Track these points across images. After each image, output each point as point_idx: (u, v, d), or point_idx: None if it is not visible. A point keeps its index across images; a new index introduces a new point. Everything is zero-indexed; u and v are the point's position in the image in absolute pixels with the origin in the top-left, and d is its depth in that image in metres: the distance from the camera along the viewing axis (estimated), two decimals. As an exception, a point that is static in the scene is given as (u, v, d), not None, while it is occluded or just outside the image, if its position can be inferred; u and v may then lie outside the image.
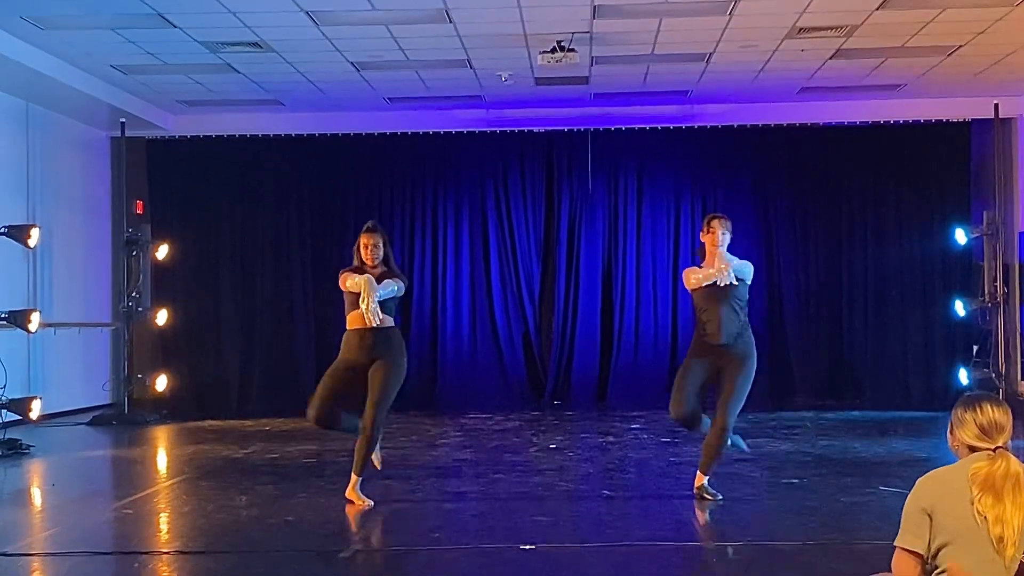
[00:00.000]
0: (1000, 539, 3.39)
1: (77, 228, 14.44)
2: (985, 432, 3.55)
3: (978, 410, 3.59)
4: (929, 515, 3.48)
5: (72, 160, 14.35)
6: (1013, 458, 3.51)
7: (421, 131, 15.18)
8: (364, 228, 7.72)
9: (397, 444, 10.93)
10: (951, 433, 3.65)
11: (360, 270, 7.57)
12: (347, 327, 7.60)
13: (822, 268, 15.16)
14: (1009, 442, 3.59)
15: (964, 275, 14.48)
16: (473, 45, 11.70)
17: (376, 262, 7.60)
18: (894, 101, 14.56)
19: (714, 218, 7.75)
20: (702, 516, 7.23)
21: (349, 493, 7.61)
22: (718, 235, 7.62)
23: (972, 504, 3.43)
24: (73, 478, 9.73)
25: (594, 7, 10.39)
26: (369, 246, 7.60)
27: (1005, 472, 3.45)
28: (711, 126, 15.06)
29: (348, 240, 16.03)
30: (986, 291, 13.61)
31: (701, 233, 7.81)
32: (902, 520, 3.57)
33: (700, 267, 7.72)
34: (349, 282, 7.46)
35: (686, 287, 7.77)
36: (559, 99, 14.39)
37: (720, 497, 7.59)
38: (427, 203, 15.48)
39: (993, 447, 3.53)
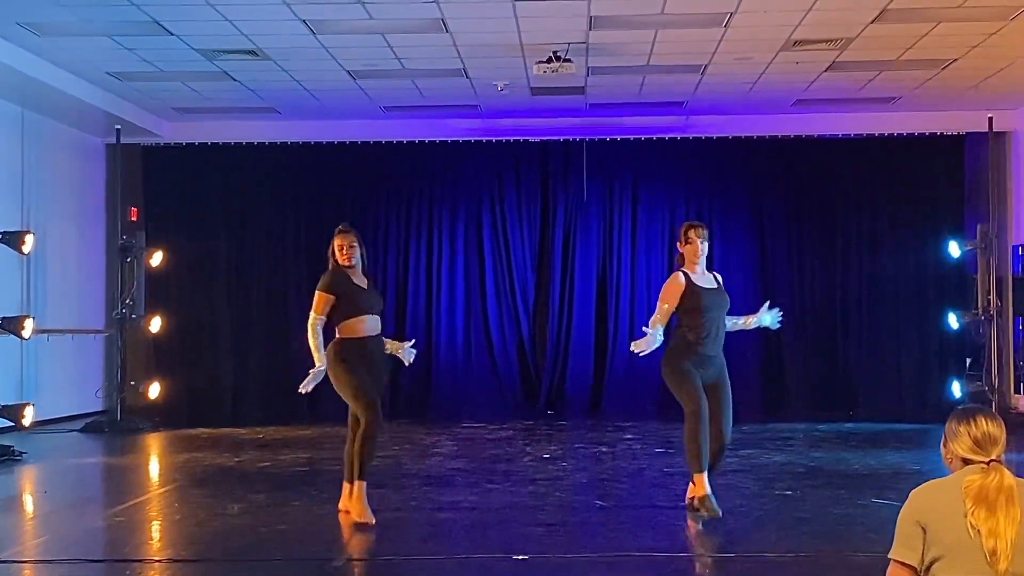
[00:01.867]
0: (993, 552, 3.38)
1: (71, 234, 14.42)
2: (979, 445, 3.56)
3: (972, 423, 3.59)
4: (923, 528, 3.48)
5: (67, 166, 14.34)
6: (1007, 471, 3.51)
7: (417, 140, 15.18)
8: (337, 230, 7.63)
9: (389, 453, 10.92)
10: (944, 446, 3.65)
11: (342, 277, 7.46)
12: (353, 335, 7.39)
13: (816, 280, 15.18)
14: (1003, 455, 3.59)
15: (958, 288, 14.50)
16: (469, 55, 11.72)
17: (353, 262, 7.52)
18: (889, 114, 14.60)
19: (691, 228, 7.56)
20: (695, 527, 7.22)
21: (353, 501, 7.54)
22: (698, 246, 7.49)
23: (965, 517, 3.43)
24: (65, 485, 9.72)
25: (591, 18, 10.41)
26: (344, 247, 7.52)
27: (999, 485, 3.45)
28: (706, 137, 15.09)
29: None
30: (979, 304, 13.61)
31: (678, 243, 7.64)
32: (895, 532, 3.57)
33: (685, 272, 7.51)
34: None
35: (674, 294, 7.46)
36: (555, 109, 14.41)
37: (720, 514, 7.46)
38: (422, 212, 15.48)
39: (987, 460, 3.53)
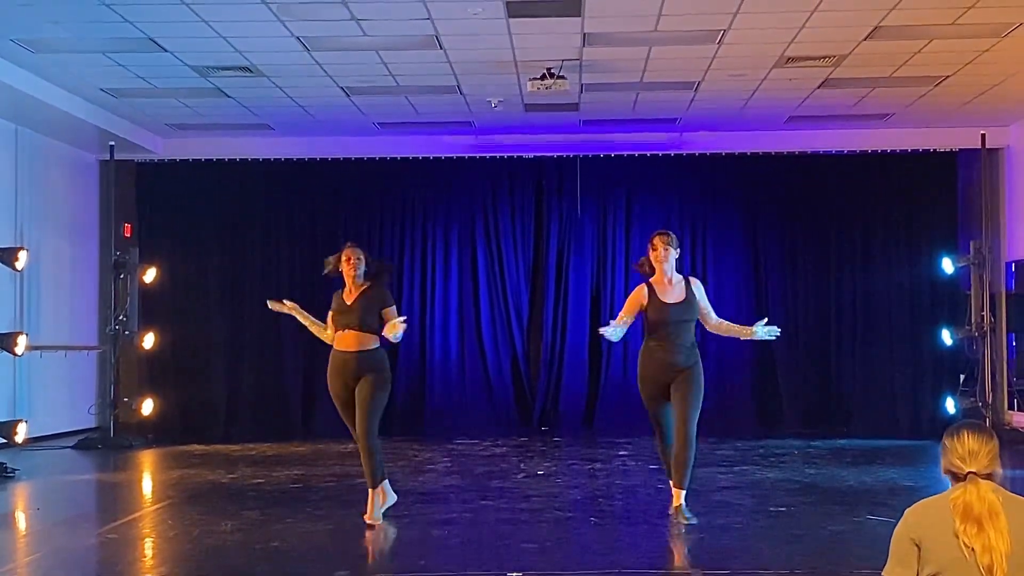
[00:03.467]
0: (989, 568, 3.38)
1: (65, 251, 14.41)
2: (963, 460, 3.57)
3: (956, 438, 3.61)
4: (917, 545, 3.48)
5: (61, 183, 14.34)
6: (983, 483, 3.51)
7: (410, 156, 15.19)
8: (346, 245, 8.17)
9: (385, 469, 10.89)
10: (941, 463, 3.67)
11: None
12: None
13: (810, 296, 15.19)
14: (997, 469, 3.58)
15: (951, 304, 14.50)
16: (463, 71, 11.74)
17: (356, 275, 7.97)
18: (882, 130, 14.64)
19: (657, 235, 7.91)
20: (689, 543, 7.21)
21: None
22: (660, 252, 7.78)
23: (958, 537, 3.43)
24: (58, 502, 9.69)
25: (584, 35, 10.44)
26: (352, 259, 7.98)
27: (978, 499, 3.45)
28: (699, 154, 15.10)
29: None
30: (973, 320, 13.63)
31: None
32: (890, 550, 3.57)
33: (651, 283, 7.77)
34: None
35: (632, 306, 7.80)
36: (548, 125, 14.43)
37: (695, 520, 7.57)
38: (416, 228, 15.47)
39: (964, 473, 3.54)
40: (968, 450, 3.57)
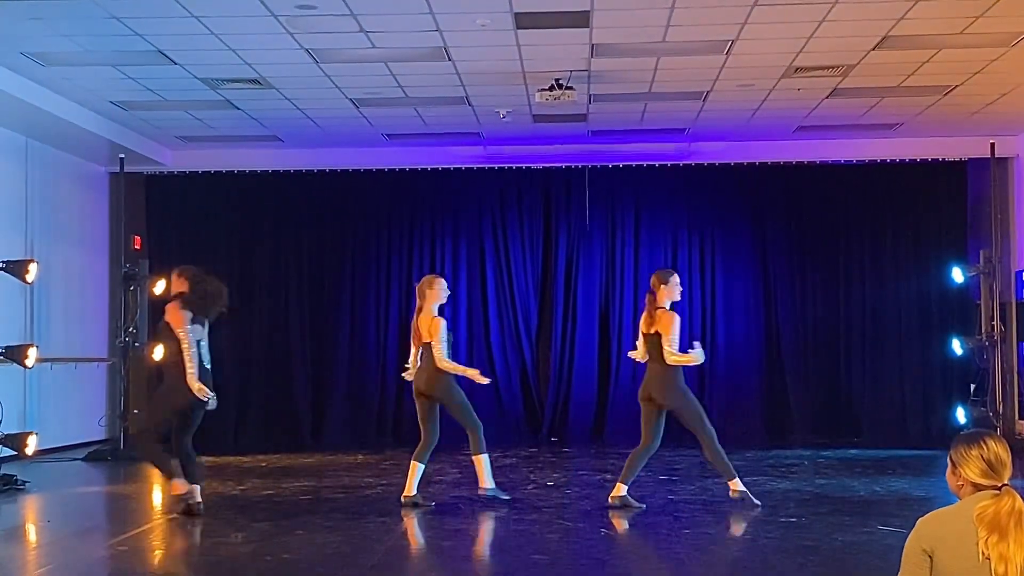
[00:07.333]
0: (1003, 577, 3.38)
1: (75, 263, 14.44)
2: (992, 468, 3.54)
3: (983, 445, 3.58)
4: (930, 556, 3.47)
5: (71, 195, 14.38)
6: (1018, 496, 3.50)
7: (419, 167, 15.22)
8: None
9: (393, 481, 10.88)
10: (953, 472, 3.63)
11: None
12: None
13: (819, 306, 15.18)
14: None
15: (961, 313, 14.49)
16: (472, 82, 11.76)
17: None
18: (891, 140, 14.63)
19: None
20: (700, 554, 7.19)
21: None
22: None
23: (976, 545, 3.41)
24: (68, 514, 9.69)
25: (592, 46, 10.45)
26: None
27: (1010, 509, 3.44)
28: (708, 164, 15.11)
29: (345, 276, 16.04)
30: (983, 329, 13.60)
31: None
32: (902, 560, 3.55)
33: None
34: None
35: None
36: (557, 136, 14.45)
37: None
38: (425, 239, 15.49)
39: (999, 484, 3.52)
40: (1000, 460, 3.55)
